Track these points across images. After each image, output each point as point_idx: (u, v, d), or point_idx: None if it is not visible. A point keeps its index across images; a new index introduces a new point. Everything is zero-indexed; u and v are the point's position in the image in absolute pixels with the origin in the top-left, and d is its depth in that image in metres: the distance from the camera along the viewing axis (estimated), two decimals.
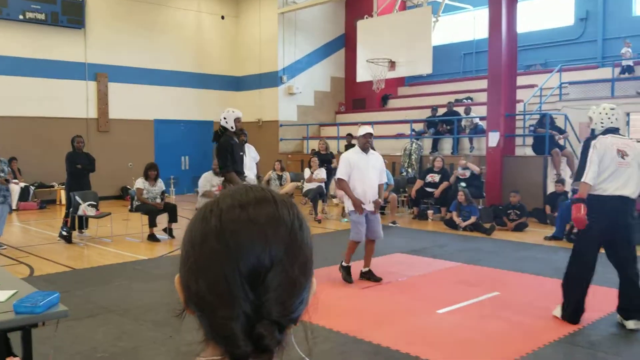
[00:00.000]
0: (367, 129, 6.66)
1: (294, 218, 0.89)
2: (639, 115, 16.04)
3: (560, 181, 11.15)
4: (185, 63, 17.80)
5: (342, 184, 6.55)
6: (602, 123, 5.24)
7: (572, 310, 5.13)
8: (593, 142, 5.11)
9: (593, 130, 5.35)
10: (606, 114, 5.26)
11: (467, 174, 11.73)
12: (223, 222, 0.85)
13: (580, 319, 5.12)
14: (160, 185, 9.78)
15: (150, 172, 9.60)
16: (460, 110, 15.22)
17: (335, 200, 12.95)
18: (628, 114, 13.51)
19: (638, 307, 4.97)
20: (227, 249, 0.83)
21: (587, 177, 5.01)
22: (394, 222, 11.19)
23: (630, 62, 14.11)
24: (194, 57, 18.03)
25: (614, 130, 5.19)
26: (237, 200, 0.87)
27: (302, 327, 0.92)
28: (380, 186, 6.67)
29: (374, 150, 6.94)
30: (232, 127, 7.19)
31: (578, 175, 5.31)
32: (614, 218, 5.02)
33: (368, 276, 6.73)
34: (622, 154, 4.97)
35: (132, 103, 16.60)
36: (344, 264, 6.73)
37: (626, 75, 14.14)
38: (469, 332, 4.98)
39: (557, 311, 5.26)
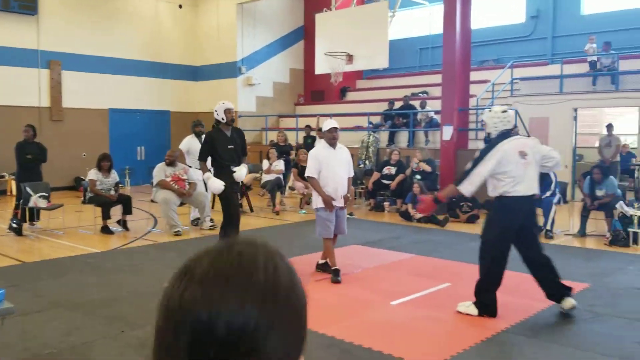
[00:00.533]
0: (333, 123, 6.64)
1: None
2: (587, 110, 16.56)
3: None
4: (141, 52, 17.52)
5: (312, 182, 6.52)
6: (495, 127, 5.37)
7: (492, 304, 5.23)
8: (494, 154, 5.16)
9: (489, 134, 5.47)
10: (498, 117, 5.37)
11: (424, 166, 11.92)
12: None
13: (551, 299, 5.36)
14: (114, 176, 9.65)
15: (103, 163, 9.47)
16: (417, 104, 15.42)
17: (294, 192, 12.99)
18: (576, 110, 13.93)
19: (561, 286, 5.24)
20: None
21: (463, 186, 5.29)
22: (350, 214, 11.27)
23: (595, 58, 14.42)
24: (151, 45, 17.76)
25: (508, 132, 5.35)
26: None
27: None
28: (348, 180, 6.69)
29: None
30: (222, 119, 7.17)
31: (461, 177, 5.41)
32: (526, 216, 5.29)
33: (324, 268, 6.79)
34: (523, 155, 5.16)
35: (86, 92, 16.27)
36: (332, 267, 6.59)
37: (591, 71, 14.41)
38: (422, 323, 5.12)
39: (470, 308, 5.28)
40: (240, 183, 7.36)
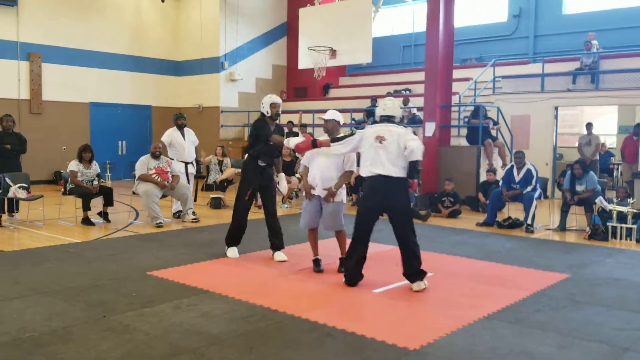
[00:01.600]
0: (330, 114, 6.36)
1: None
2: (567, 110, 16.76)
3: (492, 170, 11.55)
4: (123, 45, 17.39)
5: (302, 172, 6.58)
6: (379, 114, 5.85)
7: (349, 275, 5.87)
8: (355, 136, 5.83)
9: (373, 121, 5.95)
10: (383, 105, 5.84)
11: None
12: None
13: (356, 284, 5.82)
14: (95, 168, 9.56)
15: (85, 154, 9.37)
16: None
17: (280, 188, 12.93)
18: (556, 108, 14.09)
19: (417, 271, 5.72)
20: None
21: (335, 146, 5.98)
22: None
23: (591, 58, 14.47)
24: (133, 39, 17.64)
25: (387, 119, 5.78)
26: None
27: None
28: (344, 173, 6.31)
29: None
30: (267, 112, 6.96)
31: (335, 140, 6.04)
32: (379, 195, 5.69)
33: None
34: (380, 139, 5.60)
35: (67, 85, 16.12)
36: (312, 258, 6.59)
37: (586, 68, 14.48)
38: (404, 309, 5.15)
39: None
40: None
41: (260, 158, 6.95)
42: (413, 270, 5.73)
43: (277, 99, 7.05)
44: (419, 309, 5.15)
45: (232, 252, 7.18)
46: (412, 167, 5.61)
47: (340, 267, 6.46)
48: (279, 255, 7.02)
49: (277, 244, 7.09)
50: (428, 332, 4.48)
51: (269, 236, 7.14)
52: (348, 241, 6.16)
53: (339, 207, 6.43)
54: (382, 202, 5.71)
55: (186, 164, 10.12)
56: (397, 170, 5.60)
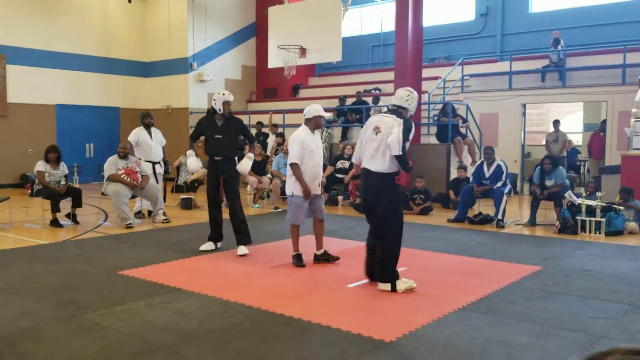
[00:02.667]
0: (320, 108, 6.55)
1: None
2: (535, 109, 17.03)
3: (462, 167, 11.64)
4: (89, 46, 17.10)
5: (294, 169, 6.30)
6: (391, 103, 5.70)
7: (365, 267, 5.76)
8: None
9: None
10: (401, 95, 5.60)
11: None
12: None
13: (369, 276, 5.72)
14: (62, 168, 9.36)
15: (51, 155, 9.17)
16: (369, 100, 15.52)
17: (248, 189, 12.88)
18: (524, 105, 14.29)
19: (378, 271, 5.53)
20: None
21: (354, 156, 5.92)
22: None
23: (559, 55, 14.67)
24: (99, 40, 17.35)
25: (394, 110, 5.53)
26: None
27: None
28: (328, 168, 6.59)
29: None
30: (219, 110, 7.06)
31: None
32: (364, 188, 5.61)
33: (326, 257, 6.62)
34: (377, 131, 5.43)
35: (32, 86, 15.78)
36: (293, 253, 6.56)
37: (552, 65, 14.67)
38: (378, 302, 5.13)
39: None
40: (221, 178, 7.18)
41: (212, 154, 7.11)
42: (374, 269, 5.60)
43: (230, 98, 7.17)
44: (394, 302, 5.14)
45: (206, 245, 7.28)
46: (398, 161, 5.37)
47: (323, 259, 6.64)
48: (241, 249, 7.05)
49: (239, 239, 7.13)
50: (404, 324, 4.48)
51: (233, 231, 7.16)
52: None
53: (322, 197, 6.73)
54: (365, 195, 5.62)
55: (153, 163, 9.99)
56: (379, 165, 5.40)
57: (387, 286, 5.43)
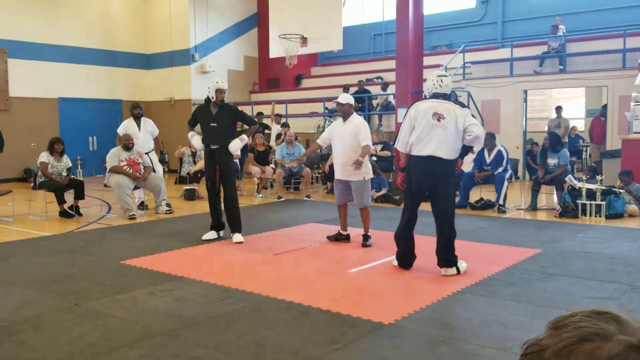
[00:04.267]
0: (342, 97, 6.82)
1: None
2: (536, 95, 16.98)
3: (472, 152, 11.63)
4: (91, 39, 17.12)
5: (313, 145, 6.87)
6: (428, 90, 5.60)
7: (401, 257, 5.74)
8: (408, 110, 5.54)
9: (425, 96, 5.69)
10: (432, 80, 5.56)
11: (378, 148, 12.02)
12: None
13: (412, 265, 5.72)
14: (66, 161, 9.43)
15: (57, 146, 9.24)
16: (372, 89, 15.54)
17: (255, 179, 12.92)
18: (526, 92, 14.26)
19: (443, 257, 5.49)
20: None
21: (397, 143, 5.64)
22: (308, 196, 11.33)
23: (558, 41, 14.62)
24: (101, 33, 17.37)
25: (438, 96, 5.50)
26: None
27: None
28: (363, 148, 6.59)
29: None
30: (212, 97, 7.13)
31: (396, 140, 5.76)
32: (423, 176, 5.42)
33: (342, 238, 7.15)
34: (439, 117, 5.31)
35: (34, 80, 15.82)
36: (343, 232, 7.16)
37: (552, 51, 14.61)
38: (379, 287, 5.17)
39: (394, 261, 5.84)
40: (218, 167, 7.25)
41: (208, 143, 7.16)
42: (440, 254, 5.51)
43: (222, 86, 7.19)
44: (393, 287, 5.18)
45: (208, 234, 7.34)
46: (466, 149, 5.48)
47: (364, 242, 6.88)
48: (237, 237, 7.11)
49: (233, 227, 7.18)
50: (402, 307, 4.52)
51: (227, 220, 7.24)
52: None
53: (364, 185, 6.82)
54: (424, 183, 5.45)
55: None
56: (447, 152, 5.33)
57: (454, 270, 5.43)
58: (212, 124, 7.11)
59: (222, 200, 7.37)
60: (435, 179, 5.39)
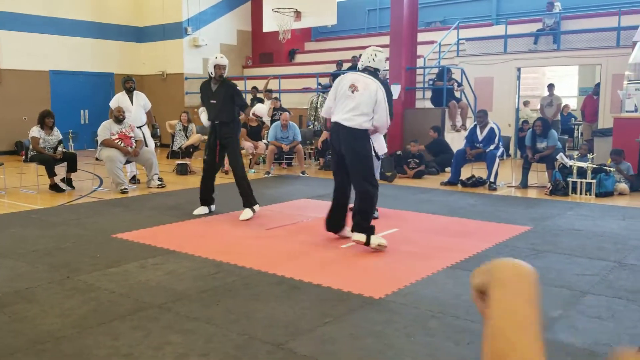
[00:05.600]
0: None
1: None
2: (529, 72, 16.94)
3: (456, 131, 11.65)
4: (83, 11, 16.89)
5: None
6: (362, 63, 5.74)
7: (326, 220, 5.96)
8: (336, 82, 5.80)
9: (358, 68, 5.85)
10: (368, 54, 5.70)
11: None
12: None
13: (338, 231, 5.92)
14: (56, 134, 9.38)
15: (47, 120, 9.18)
16: None
17: (243, 152, 12.88)
18: (519, 69, 14.24)
19: (354, 221, 5.58)
20: None
21: (322, 110, 6.16)
22: (303, 172, 11.32)
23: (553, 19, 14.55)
24: (93, 5, 17.14)
25: (367, 69, 5.64)
26: None
27: None
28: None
29: None
30: (211, 73, 7.15)
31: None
32: (334, 140, 5.74)
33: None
34: (354, 89, 5.51)
35: (25, 53, 15.64)
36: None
37: (546, 28, 14.54)
38: (371, 262, 5.21)
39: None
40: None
41: (211, 119, 7.17)
42: (353, 220, 5.61)
43: (221, 61, 7.16)
44: (385, 262, 5.22)
45: (199, 210, 7.33)
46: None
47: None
48: (245, 213, 7.09)
49: (243, 201, 7.17)
50: (393, 282, 4.56)
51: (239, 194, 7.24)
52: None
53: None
54: (339, 148, 5.64)
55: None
56: (354, 122, 5.48)
57: (363, 237, 5.50)
58: (212, 101, 7.10)
59: (215, 176, 7.38)
60: (344, 144, 5.57)
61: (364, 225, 5.53)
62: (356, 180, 5.61)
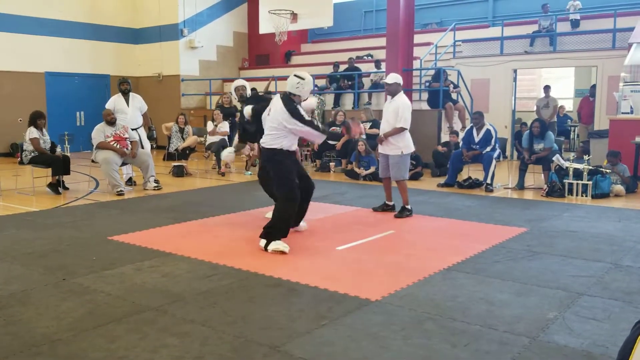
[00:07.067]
0: (390, 77, 7.30)
1: None
2: (526, 74, 16.97)
3: (453, 132, 11.66)
4: (79, 13, 16.87)
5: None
6: (288, 87, 5.83)
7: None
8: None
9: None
10: (292, 82, 5.78)
11: (367, 127, 12.01)
12: None
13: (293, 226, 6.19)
14: (47, 134, 9.40)
15: (40, 121, 9.18)
16: (371, 66, 15.45)
17: (244, 156, 12.88)
18: (515, 71, 14.26)
19: (264, 228, 5.71)
20: None
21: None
22: None
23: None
24: (89, 6, 17.12)
25: (284, 96, 5.78)
26: None
27: None
28: (395, 128, 7.20)
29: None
30: (235, 98, 7.70)
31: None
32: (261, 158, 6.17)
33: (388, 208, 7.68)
34: (268, 112, 5.95)
35: (20, 54, 15.60)
36: (389, 203, 7.72)
37: (544, 30, 14.56)
38: (366, 264, 5.19)
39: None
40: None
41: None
42: (265, 225, 5.74)
43: (239, 83, 7.70)
44: (381, 264, 5.21)
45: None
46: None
47: (400, 213, 7.35)
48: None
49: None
50: (389, 284, 4.55)
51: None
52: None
53: (399, 159, 7.31)
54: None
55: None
56: (268, 142, 5.74)
57: (263, 242, 5.63)
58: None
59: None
60: (264, 162, 6.04)
61: (270, 232, 5.69)
62: (276, 194, 6.05)
